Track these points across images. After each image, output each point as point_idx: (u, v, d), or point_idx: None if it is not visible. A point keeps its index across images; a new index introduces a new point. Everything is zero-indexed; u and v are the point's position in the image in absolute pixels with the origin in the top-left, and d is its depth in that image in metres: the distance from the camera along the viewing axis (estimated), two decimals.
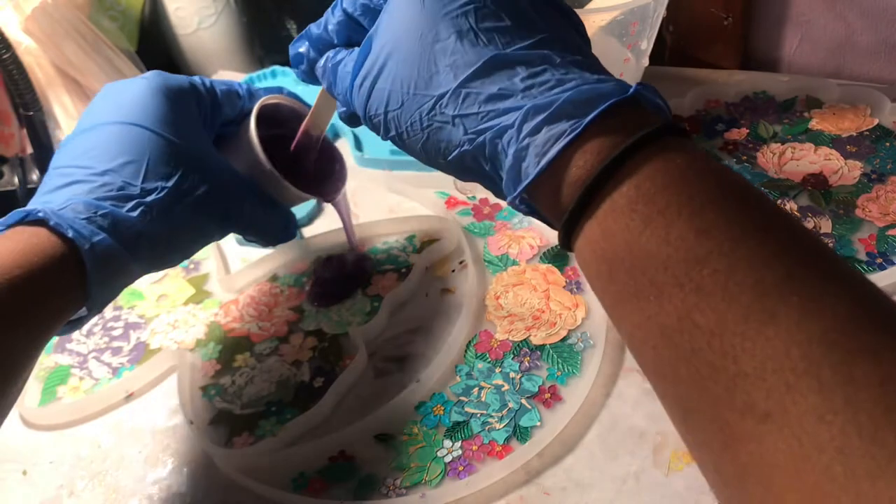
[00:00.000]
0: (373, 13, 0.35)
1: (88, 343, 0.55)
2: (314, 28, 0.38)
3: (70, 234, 0.36)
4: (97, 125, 0.40)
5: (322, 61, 0.37)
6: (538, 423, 0.45)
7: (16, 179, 0.68)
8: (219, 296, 0.57)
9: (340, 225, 0.61)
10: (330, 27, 0.37)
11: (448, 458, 0.44)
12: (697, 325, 0.24)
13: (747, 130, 0.64)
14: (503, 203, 0.58)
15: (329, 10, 0.37)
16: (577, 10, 0.52)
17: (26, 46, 0.65)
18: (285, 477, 0.45)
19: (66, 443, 0.49)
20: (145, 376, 0.52)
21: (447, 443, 0.45)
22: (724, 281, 0.24)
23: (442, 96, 0.30)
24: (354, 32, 0.36)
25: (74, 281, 0.37)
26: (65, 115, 0.68)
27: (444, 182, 0.63)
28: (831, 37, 0.69)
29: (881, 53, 0.68)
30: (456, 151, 0.31)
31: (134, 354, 0.54)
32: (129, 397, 0.52)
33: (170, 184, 0.39)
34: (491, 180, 0.31)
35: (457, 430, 0.45)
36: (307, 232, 0.62)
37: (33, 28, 0.64)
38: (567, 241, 0.29)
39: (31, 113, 0.67)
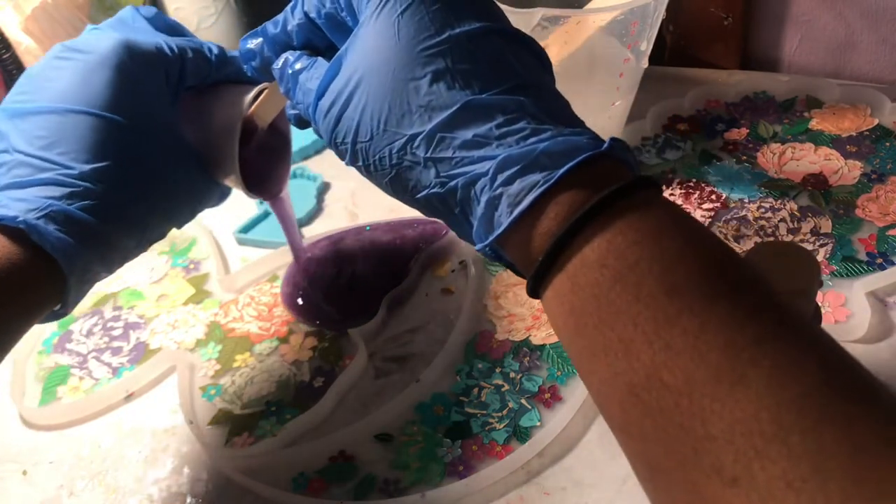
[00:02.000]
0: (336, 24, 0.34)
1: (88, 343, 0.55)
2: (270, 27, 0.37)
3: (34, 237, 0.35)
4: (41, 109, 0.38)
5: (280, 62, 0.36)
6: (538, 424, 0.45)
7: None
8: (219, 296, 0.57)
9: (340, 226, 0.61)
10: (289, 27, 0.36)
11: (448, 458, 0.44)
12: (666, 385, 0.23)
13: (747, 130, 0.64)
14: None
15: (287, 9, 0.36)
16: (577, 10, 0.52)
17: (26, 46, 0.65)
18: (285, 477, 0.45)
19: (65, 443, 0.49)
20: (145, 376, 0.52)
21: (447, 443, 0.45)
22: (693, 341, 0.23)
23: (414, 137, 0.30)
24: (315, 36, 0.36)
25: (43, 280, 0.36)
26: None
27: None
28: (831, 37, 0.69)
29: (881, 53, 0.68)
30: (424, 192, 0.30)
31: (134, 354, 0.54)
32: (129, 397, 0.52)
33: (112, 172, 0.37)
34: (458, 223, 0.31)
35: (457, 430, 0.45)
36: (307, 232, 0.62)
37: (33, 28, 0.64)
38: (535, 292, 0.29)
39: None
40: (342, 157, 0.33)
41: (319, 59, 0.35)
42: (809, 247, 0.53)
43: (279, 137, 0.48)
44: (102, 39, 0.39)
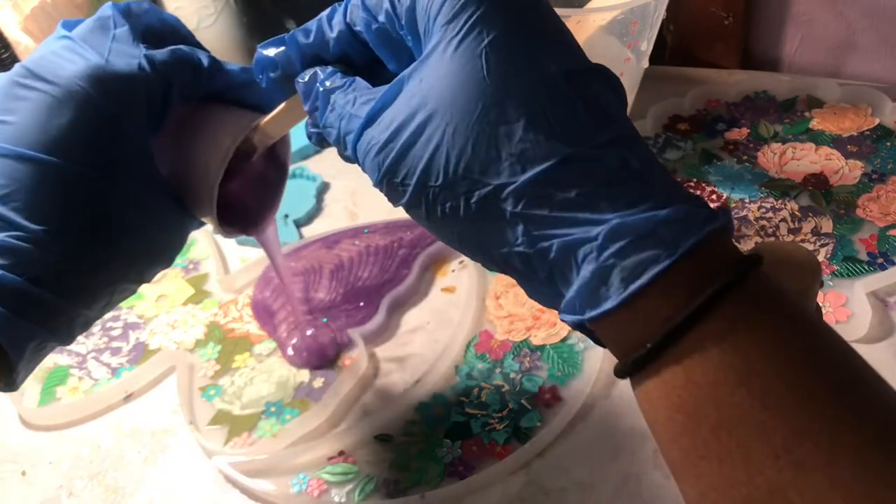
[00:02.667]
0: (388, 40, 0.30)
1: (87, 343, 0.55)
2: (301, 36, 0.32)
3: None
4: None
5: (307, 76, 0.32)
6: (538, 424, 0.45)
7: None
8: (218, 296, 0.57)
9: (340, 226, 0.61)
10: (325, 38, 0.32)
11: (448, 459, 0.44)
12: None
13: (748, 130, 0.64)
14: None
15: (322, 18, 0.32)
16: (577, 10, 0.52)
17: (25, 46, 0.65)
18: (285, 477, 0.44)
19: (65, 443, 0.49)
20: (144, 376, 0.52)
21: (447, 443, 0.45)
22: (826, 458, 0.21)
23: (501, 188, 0.26)
24: (354, 51, 0.31)
25: None
26: None
27: None
28: (832, 36, 0.69)
29: (882, 53, 0.67)
30: (505, 249, 0.27)
31: (133, 355, 0.54)
32: (129, 398, 0.51)
33: (73, 234, 0.32)
34: (538, 285, 0.27)
35: (457, 430, 0.45)
36: (306, 231, 0.62)
37: (32, 27, 0.64)
38: (629, 374, 0.26)
39: None
40: (396, 199, 0.29)
41: (358, 78, 0.31)
42: (810, 247, 0.53)
43: (276, 168, 0.41)
44: (69, 65, 0.32)
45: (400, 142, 0.27)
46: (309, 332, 0.52)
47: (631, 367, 0.25)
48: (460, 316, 0.51)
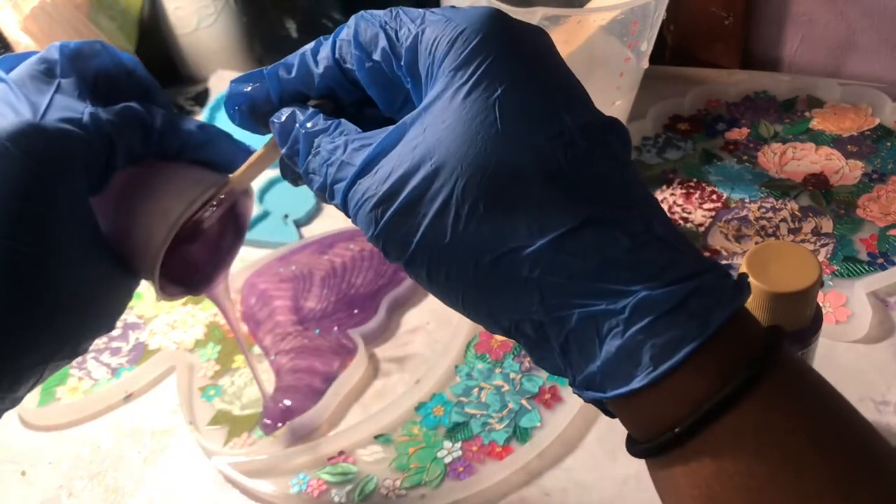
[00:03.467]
0: (382, 80, 0.27)
1: None
2: (282, 71, 0.29)
3: None
4: None
5: (283, 116, 0.28)
6: (538, 424, 0.45)
7: None
8: None
9: (340, 227, 0.61)
10: (310, 73, 0.29)
11: (448, 459, 0.44)
12: None
13: (748, 130, 0.64)
14: None
15: (306, 52, 0.29)
16: (577, 10, 0.52)
17: (25, 46, 0.65)
18: (285, 477, 0.44)
19: (65, 443, 0.49)
20: (144, 377, 0.52)
21: (447, 443, 0.45)
22: None
23: (516, 250, 0.23)
24: (341, 89, 0.29)
25: None
26: None
27: None
28: (832, 36, 0.68)
29: (882, 53, 0.67)
30: (517, 316, 0.24)
31: (133, 355, 0.54)
32: (129, 398, 0.51)
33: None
34: (549, 354, 0.25)
35: (457, 430, 0.45)
36: (306, 231, 0.62)
37: (32, 27, 0.64)
38: (650, 457, 0.24)
39: None
40: (394, 256, 0.26)
41: (344, 121, 0.28)
42: (810, 247, 0.53)
43: (234, 230, 0.37)
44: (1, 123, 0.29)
45: (401, 196, 0.24)
46: (286, 402, 0.48)
47: (654, 451, 0.24)
48: (460, 316, 0.51)
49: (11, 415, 0.51)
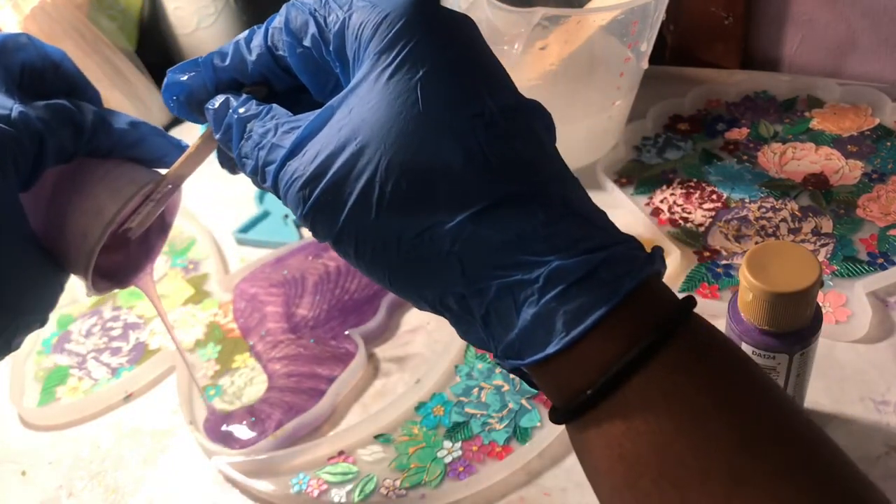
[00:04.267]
0: (312, 65, 0.28)
1: (87, 343, 0.55)
2: (217, 59, 0.30)
3: None
4: None
5: (217, 103, 0.29)
6: (538, 424, 0.45)
7: None
8: (218, 296, 0.57)
9: None
10: (243, 61, 0.29)
11: (448, 459, 0.44)
12: None
13: (748, 130, 0.64)
14: None
15: (241, 41, 0.30)
16: (577, 10, 0.52)
17: None
18: (285, 477, 0.44)
19: (65, 443, 0.49)
20: (144, 377, 0.52)
21: (447, 443, 0.45)
22: None
23: (438, 225, 0.25)
24: (274, 76, 0.30)
25: None
26: None
27: None
28: (832, 36, 0.69)
29: (882, 53, 0.67)
30: (440, 290, 0.25)
31: (133, 355, 0.54)
32: (129, 398, 0.51)
33: None
34: (471, 326, 0.26)
35: (457, 430, 0.45)
36: (306, 231, 0.62)
37: (32, 27, 0.64)
38: (566, 421, 0.25)
39: None
40: (321, 235, 0.27)
41: (275, 106, 0.29)
42: (810, 247, 0.53)
43: (160, 227, 0.37)
44: None
45: (328, 175, 0.25)
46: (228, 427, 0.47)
47: (569, 415, 0.25)
48: None
49: (11, 415, 0.51)
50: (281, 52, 0.29)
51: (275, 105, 0.28)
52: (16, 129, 0.30)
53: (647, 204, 0.58)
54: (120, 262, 0.37)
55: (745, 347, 0.37)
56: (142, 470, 0.47)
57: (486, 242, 0.24)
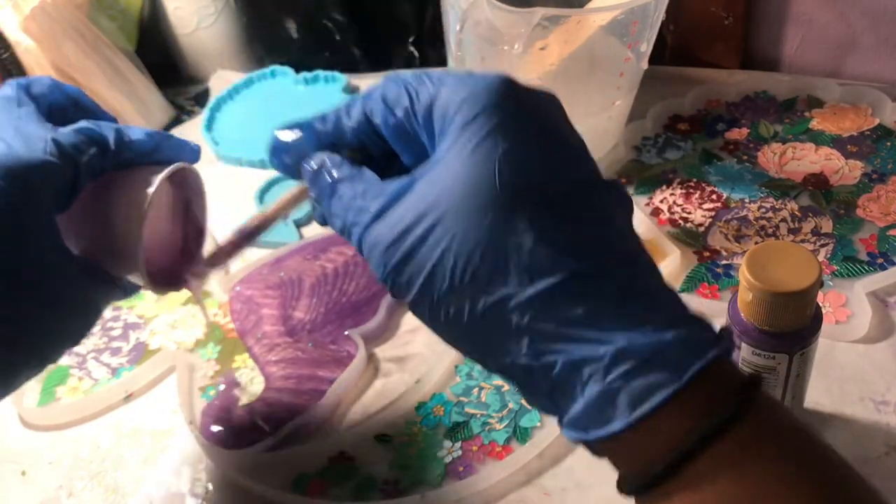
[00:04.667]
0: (404, 135, 0.30)
1: (87, 343, 0.55)
2: (318, 124, 0.32)
3: None
4: None
5: (314, 163, 0.31)
6: (538, 424, 0.45)
7: None
8: (218, 296, 0.57)
9: None
10: (342, 127, 0.31)
11: (448, 459, 0.44)
12: None
13: (748, 130, 0.64)
14: None
15: (342, 108, 0.32)
16: (577, 10, 0.52)
17: (25, 46, 0.65)
18: (285, 478, 0.44)
19: (65, 443, 0.49)
20: (144, 377, 0.52)
21: (447, 443, 0.45)
22: None
23: (507, 298, 0.26)
24: (371, 142, 0.31)
25: None
26: None
27: None
28: (832, 36, 0.69)
29: (882, 53, 0.67)
30: (508, 359, 0.27)
31: (133, 355, 0.54)
32: (129, 398, 0.51)
33: None
34: (539, 394, 0.27)
35: (457, 430, 0.45)
36: (307, 232, 0.62)
37: (32, 28, 0.64)
38: (637, 493, 0.26)
39: None
40: (400, 296, 0.28)
41: (364, 169, 0.30)
42: (810, 247, 0.53)
43: (194, 234, 0.41)
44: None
45: (407, 243, 0.27)
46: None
47: (640, 488, 0.25)
48: None
49: (11, 415, 0.51)
50: (377, 121, 0.30)
51: (366, 169, 0.30)
52: (48, 163, 0.32)
53: (647, 204, 0.58)
54: (167, 268, 0.39)
55: (745, 347, 0.37)
56: (142, 470, 0.47)
57: (553, 318, 0.25)
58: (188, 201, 0.39)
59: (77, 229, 0.35)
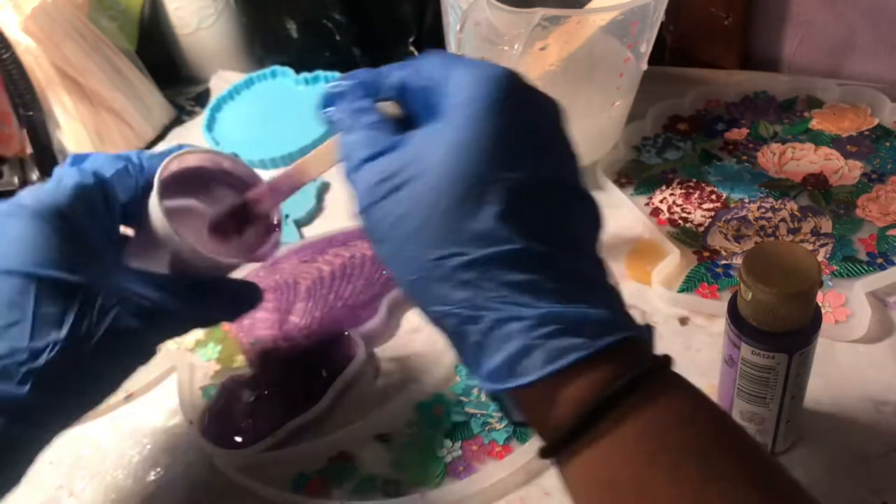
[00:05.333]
0: (423, 100, 0.33)
1: None
2: (363, 73, 0.35)
3: None
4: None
5: (345, 104, 0.34)
6: None
7: (15, 179, 0.68)
8: None
9: (340, 226, 0.61)
10: (383, 79, 0.34)
11: (448, 459, 0.44)
12: None
13: (747, 130, 0.64)
14: None
15: (381, 68, 0.35)
16: (577, 10, 0.52)
17: (26, 46, 0.65)
18: (285, 477, 0.45)
19: (65, 443, 0.49)
20: (145, 376, 0.52)
21: (447, 443, 0.45)
22: None
23: (460, 255, 0.29)
24: (400, 98, 0.34)
25: None
26: (64, 115, 0.68)
27: None
28: (832, 36, 0.69)
29: (882, 53, 0.67)
30: (445, 307, 0.29)
31: None
32: (129, 397, 0.51)
33: (63, 333, 0.34)
34: (464, 347, 0.30)
35: (457, 430, 0.45)
36: (307, 231, 0.62)
37: (32, 28, 0.64)
38: (552, 453, 0.29)
39: (31, 113, 0.66)
40: (369, 233, 0.31)
41: (381, 121, 0.33)
42: (810, 247, 0.53)
43: (264, 225, 0.43)
44: (22, 199, 0.35)
45: (387, 186, 0.30)
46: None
47: (553, 447, 0.28)
48: None
49: None
50: (408, 84, 0.33)
51: (382, 120, 0.33)
52: (92, 190, 0.37)
53: (647, 204, 0.59)
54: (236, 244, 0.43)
55: (745, 347, 0.37)
56: (142, 470, 0.47)
57: (495, 279, 0.28)
58: (209, 178, 0.41)
59: (152, 257, 0.38)
